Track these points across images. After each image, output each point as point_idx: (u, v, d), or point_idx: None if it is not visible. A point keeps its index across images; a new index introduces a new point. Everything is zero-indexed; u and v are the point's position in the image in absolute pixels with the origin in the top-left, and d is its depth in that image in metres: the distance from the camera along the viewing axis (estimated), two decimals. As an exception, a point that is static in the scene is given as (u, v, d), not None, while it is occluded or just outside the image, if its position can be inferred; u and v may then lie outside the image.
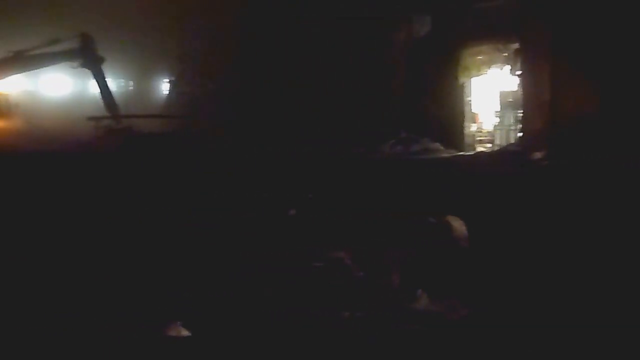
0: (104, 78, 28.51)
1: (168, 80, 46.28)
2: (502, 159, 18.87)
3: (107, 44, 30.10)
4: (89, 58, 27.66)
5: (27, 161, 17.96)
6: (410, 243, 8.68)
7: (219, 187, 13.37)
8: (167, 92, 45.86)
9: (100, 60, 28.07)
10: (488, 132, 23.82)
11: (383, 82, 25.37)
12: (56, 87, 45.56)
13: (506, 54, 22.08)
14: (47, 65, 29.31)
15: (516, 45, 21.21)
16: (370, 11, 24.83)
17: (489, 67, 23.33)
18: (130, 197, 12.31)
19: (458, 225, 9.41)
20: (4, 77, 28.00)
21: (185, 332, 6.02)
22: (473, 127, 23.94)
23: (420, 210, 10.17)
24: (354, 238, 9.04)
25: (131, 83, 49.29)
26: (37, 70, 30.28)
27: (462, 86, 23.48)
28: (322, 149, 20.35)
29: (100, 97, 28.49)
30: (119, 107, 28.31)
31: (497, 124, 23.22)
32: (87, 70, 28.36)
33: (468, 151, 22.26)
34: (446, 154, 21.34)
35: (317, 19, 26.68)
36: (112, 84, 44.27)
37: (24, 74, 30.84)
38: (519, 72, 21.38)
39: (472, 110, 23.97)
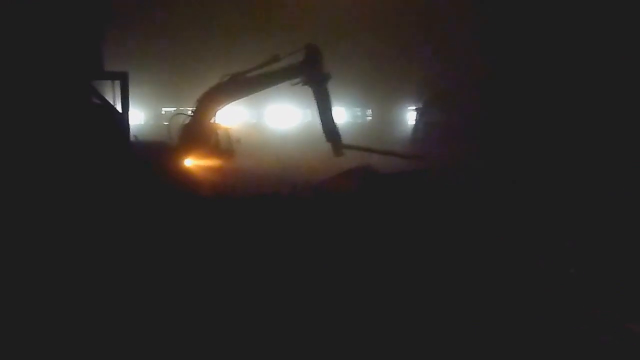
0: (328, 99, 24.03)
1: (414, 108, 44.51)
2: None
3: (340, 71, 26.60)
4: (312, 73, 23.53)
5: (244, 204, 17.83)
6: None
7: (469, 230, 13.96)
8: (413, 122, 43.78)
9: (326, 76, 23.85)
10: None
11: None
12: (282, 119, 44.88)
13: None
14: (266, 87, 25.01)
15: None
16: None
17: None
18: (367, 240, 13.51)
19: None
20: (223, 106, 24.35)
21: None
22: None
23: None
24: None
25: (369, 111, 48.73)
26: (257, 93, 25.85)
27: None
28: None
29: (320, 120, 24.23)
30: (340, 135, 24.10)
31: None
32: (309, 88, 24.07)
33: None
34: None
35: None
36: (347, 112, 45.29)
37: (247, 105, 29.88)
38: None
39: None
